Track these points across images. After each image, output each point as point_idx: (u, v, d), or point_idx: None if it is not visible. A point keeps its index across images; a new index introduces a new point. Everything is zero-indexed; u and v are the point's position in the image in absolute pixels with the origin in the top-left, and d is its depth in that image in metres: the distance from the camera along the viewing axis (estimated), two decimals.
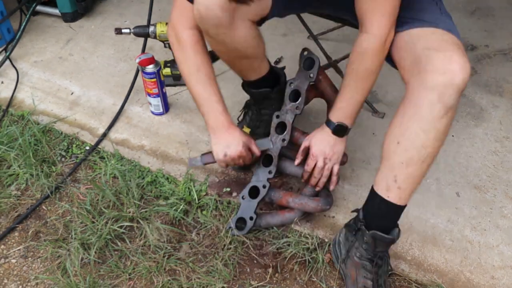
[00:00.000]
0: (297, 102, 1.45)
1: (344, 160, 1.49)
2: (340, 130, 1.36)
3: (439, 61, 1.09)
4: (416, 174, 1.18)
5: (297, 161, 1.46)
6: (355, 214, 1.34)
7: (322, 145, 1.39)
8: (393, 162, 1.19)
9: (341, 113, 1.35)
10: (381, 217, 1.26)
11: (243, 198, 1.46)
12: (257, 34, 1.34)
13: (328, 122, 1.38)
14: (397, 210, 1.24)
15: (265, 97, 1.53)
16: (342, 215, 1.53)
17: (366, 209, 1.29)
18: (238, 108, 1.87)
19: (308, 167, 1.42)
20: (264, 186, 1.45)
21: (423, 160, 1.16)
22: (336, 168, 1.42)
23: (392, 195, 1.21)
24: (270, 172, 1.45)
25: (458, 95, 1.10)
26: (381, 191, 1.23)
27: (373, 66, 1.25)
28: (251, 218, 1.44)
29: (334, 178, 1.44)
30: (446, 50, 1.10)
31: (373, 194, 1.26)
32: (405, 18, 1.23)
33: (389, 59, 1.29)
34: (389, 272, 1.34)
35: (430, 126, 1.12)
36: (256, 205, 1.44)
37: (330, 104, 1.51)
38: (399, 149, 1.17)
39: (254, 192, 1.46)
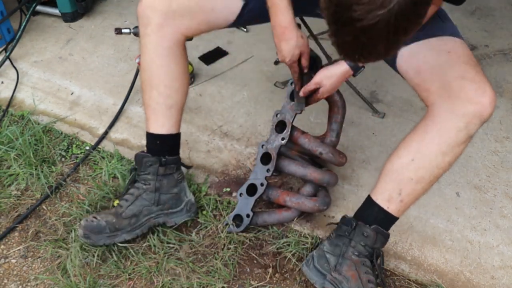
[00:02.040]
0: None
1: (343, 161, 1.49)
2: None
3: (472, 91, 1.12)
4: (421, 192, 1.23)
5: (302, 93, 1.37)
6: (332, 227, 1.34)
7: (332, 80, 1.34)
8: (402, 176, 1.21)
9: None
10: (377, 224, 1.26)
11: (240, 195, 1.46)
12: None
13: None
14: (392, 221, 1.27)
15: None
16: (342, 215, 1.52)
17: (360, 216, 1.29)
18: (238, 108, 1.87)
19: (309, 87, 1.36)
20: (262, 184, 1.45)
21: (431, 179, 1.21)
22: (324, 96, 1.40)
23: (392, 207, 1.24)
24: (268, 171, 1.45)
25: (480, 126, 1.15)
26: (382, 202, 1.24)
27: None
28: (247, 216, 1.43)
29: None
30: (480, 82, 1.13)
31: (370, 203, 1.27)
32: None
33: (394, 66, 1.28)
34: (383, 268, 1.34)
35: (450, 150, 1.17)
36: (253, 202, 1.44)
37: (330, 104, 1.51)
38: (413, 166, 1.20)
39: (251, 190, 1.46)
